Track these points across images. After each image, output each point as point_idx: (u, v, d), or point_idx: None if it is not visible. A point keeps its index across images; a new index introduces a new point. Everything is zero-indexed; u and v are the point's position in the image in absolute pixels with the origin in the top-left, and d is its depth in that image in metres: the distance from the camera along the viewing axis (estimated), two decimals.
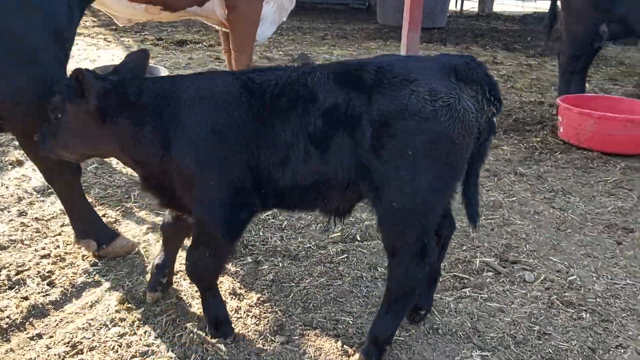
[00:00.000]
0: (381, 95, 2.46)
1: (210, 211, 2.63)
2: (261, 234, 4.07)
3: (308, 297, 3.37)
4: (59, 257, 3.61)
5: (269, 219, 4.26)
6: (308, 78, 2.57)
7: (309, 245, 3.94)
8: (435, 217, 2.62)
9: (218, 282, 2.95)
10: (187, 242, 3.09)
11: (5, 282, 3.33)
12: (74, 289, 3.33)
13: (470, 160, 2.54)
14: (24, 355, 2.79)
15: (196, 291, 3.20)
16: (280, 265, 3.69)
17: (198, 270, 2.77)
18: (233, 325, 2.97)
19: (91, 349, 2.83)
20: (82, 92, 2.50)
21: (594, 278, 3.68)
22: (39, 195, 4.44)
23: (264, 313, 3.19)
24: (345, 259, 3.80)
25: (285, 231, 4.11)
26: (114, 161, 4.96)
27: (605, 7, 5.98)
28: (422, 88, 2.40)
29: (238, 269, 3.61)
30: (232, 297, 3.31)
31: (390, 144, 2.42)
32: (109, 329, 2.99)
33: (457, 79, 2.45)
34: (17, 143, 4.63)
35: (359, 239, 4.07)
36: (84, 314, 3.12)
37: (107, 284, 3.38)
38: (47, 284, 3.33)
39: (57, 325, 3.03)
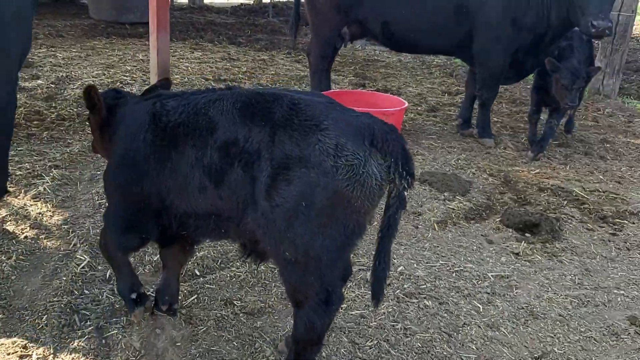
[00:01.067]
0: (287, 137, 2.35)
1: (108, 219, 2.97)
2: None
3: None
4: None
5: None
6: (211, 107, 2.55)
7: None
8: (336, 271, 2.56)
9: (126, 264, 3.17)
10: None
11: None
12: None
13: (379, 234, 2.47)
14: None
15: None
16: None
17: (102, 247, 3.14)
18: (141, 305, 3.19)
19: None
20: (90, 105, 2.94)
21: (414, 265, 4.15)
22: None
23: None
24: (196, 300, 3.48)
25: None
26: None
27: (346, 10, 6.62)
28: (330, 140, 2.29)
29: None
30: None
31: (286, 191, 2.33)
32: None
33: (371, 144, 2.34)
34: None
35: (197, 273, 3.77)
36: None
37: None
38: None
39: None
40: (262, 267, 3.80)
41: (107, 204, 3.03)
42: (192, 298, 3.50)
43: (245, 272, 3.82)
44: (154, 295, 3.33)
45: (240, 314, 3.42)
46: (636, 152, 7.09)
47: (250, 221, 2.49)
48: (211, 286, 3.65)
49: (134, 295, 3.16)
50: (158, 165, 2.64)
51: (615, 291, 4.00)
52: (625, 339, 3.48)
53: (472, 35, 6.36)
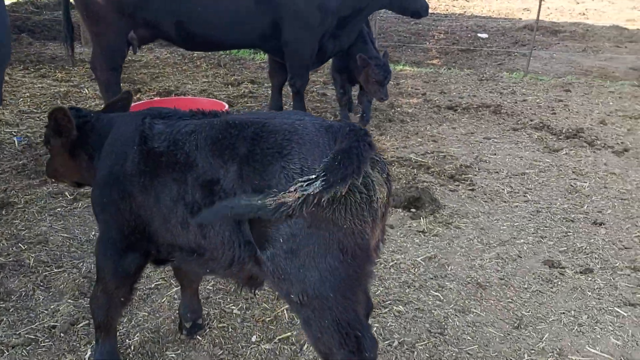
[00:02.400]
0: (251, 170, 2.17)
1: (101, 249, 2.68)
2: None
3: None
4: None
5: None
6: (187, 140, 2.40)
7: None
8: (353, 308, 2.24)
9: (114, 327, 2.91)
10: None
11: None
12: None
13: None
14: None
15: None
16: None
17: (92, 304, 2.81)
18: None
19: None
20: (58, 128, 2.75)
21: None
22: None
23: None
24: None
25: None
26: None
27: (130, 12, 5.84)
28: (294, 165, 2.11)
29: None
30: None
31: (264, 228, 2.16)
32: None
33: (335, 153, 2.07)
34: None
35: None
36: None
37: None
38: None
39: None
40: None
41: (99, 235, 2.74)
42: None
43: None
44: None
45: None
46: (424, 109, 8.05)
47: (247, 262, 2.34)
48: None
49: None
50: (142, 190, 2.49)
51: (517, 242, 4.54)
52: (558, 282, 4.00)
53: (279, 25, 6.26)
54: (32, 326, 3.37)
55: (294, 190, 2.00)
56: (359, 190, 2.10)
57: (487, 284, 3.91)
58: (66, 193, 5.06)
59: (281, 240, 2.14)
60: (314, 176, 2.00)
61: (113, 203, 2.57)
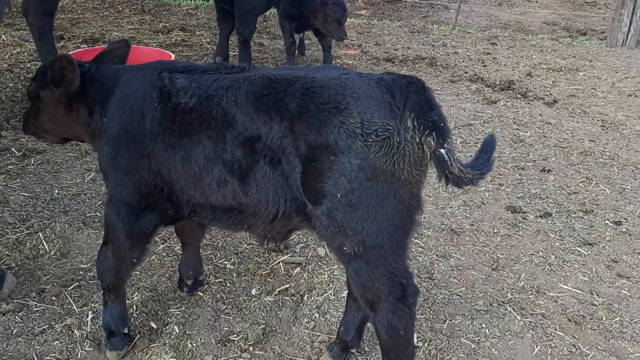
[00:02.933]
0: (306, 126, 2.16)
1: (113, 209, 2.58)
2: None
3: None
4: None
5: None
6: (224, 96, 2.32)
7: None
8: (403, 256, 2.35)
9: (124, 289, 2.84)
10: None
11: None
12: None
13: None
14: None
15: None
16: None
17: (100, 266, 2.72)
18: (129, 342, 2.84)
19: None
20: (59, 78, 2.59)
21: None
22: None
23: None
24: None
25: None
26: None
27: None
28: (353, 120, 2.12)
29: None
30: None
31: (320, 183, 2.18)
32: None
33: (397, 107, 2.16)
34: None
35: None
36: None
37: None
38: None
39: None
40: None
41: (109, 190, 2.62)
42: None
43: None
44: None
45: None
46: (363, 61, 8.16)
47: (293, 217, 2.36)
48: None
49: (126, 330, 2.83)
50: (167, 148, 2.40)
51: (479, 190, 4.82)
52: (522, 226, 4.34)
53: None
54: (20, 292, 3.20)
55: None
56: (413, 141, 2.15)
57: (460, 230, 4.17)
58: (13, 149, 4.71)
59: (339, 195, 2.18)
60: (443, 150, 2.09)
61: (129, 162, 2.48)
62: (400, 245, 2.30)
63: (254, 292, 3.40)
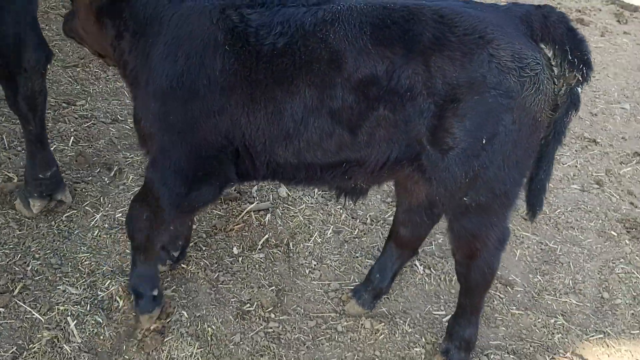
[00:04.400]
0: (446, 60, 1.92)
1: (158, 175, 2.19)
2: None
3: None
4: None
5: None
6: (329, 31, 1.94)
7: None
8: (514, 206, 2.27)
9: (156, 251, 2.48)
10: None
11: None
12: None
13: (543, 140, 2.11)
14: None
15: None
16: None
17: (131, 225, 2.38)
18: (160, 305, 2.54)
19: None
20: None
21: None
22: None
23: None
24: None
25: None
26: None
27: None
28: (504, 52, 1.91)
29: None
30: None
31: (459, 129, 1.98)
32: None
33: (538, 37, 2.02)
34: None
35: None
36: None
37: None
38: None
39: None
40: None
41: (152, 152, 2.20)
42: None
43: None
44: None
45: None
46: None
47: (403, 166, 2.14)
48: None
49: (155, 292, 2.49)
50: (247, 104, 2.01)
51: None
52: None
53: None
54: None
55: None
56: (554, 79, 2.00)
57: None
58: None
59: (480, 140, 1.97)
60: (579, 90, 1.96)
61: (186, 121, 2.06)
62: (519, 192, 2.19)
63: (235, 250, 3.05)
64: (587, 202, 3.81)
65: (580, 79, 1.97)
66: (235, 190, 3.38)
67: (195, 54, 2.00)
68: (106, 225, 3.03)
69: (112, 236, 2.96)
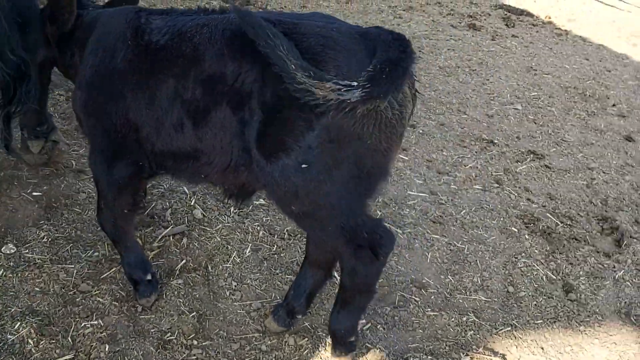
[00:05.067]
0: (278, 74, 2.01)
1: (92, 158, 2.61)
2: None
3: None
4: None
5: None
6: (198, 33, 2.24)
7: None
8: (360, 213, 2.28)
9: (131, 238, 2.81)
10: None
11: None
12: None
13: None
14: None
15: None
16: None
17: (99, 219, 2.77)
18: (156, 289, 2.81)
19: None
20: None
21: None
22: None
23: None
24: None
25: None
26: None
27: None
28: (331, 72, 1.99)
29: None
30: None
31: (281, 137, 2.08)
32: None
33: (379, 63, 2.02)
34: None
35: None
36: None
37: None
38: None
39: None
40: None
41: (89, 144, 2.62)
42: None
43: None
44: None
45: None
46: None
47: (242, 171, 2.31)
48: None
49: (149, 276, 2.78)
50: (135, 90, 2.34)
51: None
52: None
53: None
54: None
55: (329, 88, 1.90)
56: (391, 106, 2.06)
57: None
58: None
59: (297, 152, 2.07)
60: (355, 83, 1.91)
61: (100, 105, 2.42)
62: (353, 209, 2.24)
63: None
64: (488, 201, 4.05)
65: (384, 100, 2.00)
66: (148, 216, 3.32)
67: (109, 47, 2.37)
68: (11, 264, 2.88)
69: (19, 275, 2.82)
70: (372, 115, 2.03)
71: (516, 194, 4.16)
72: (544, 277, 3.39)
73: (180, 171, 2.49)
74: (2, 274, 2.81)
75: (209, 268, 3.10)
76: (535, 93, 5.89)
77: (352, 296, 2.51)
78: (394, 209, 3.84)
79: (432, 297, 3.16)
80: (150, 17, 2.38)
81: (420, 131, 4.90)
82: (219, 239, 3.29)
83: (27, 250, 2.95)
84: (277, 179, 2.15)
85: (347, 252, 2.32)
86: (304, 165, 2.10)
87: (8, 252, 2.94)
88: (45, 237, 3.08)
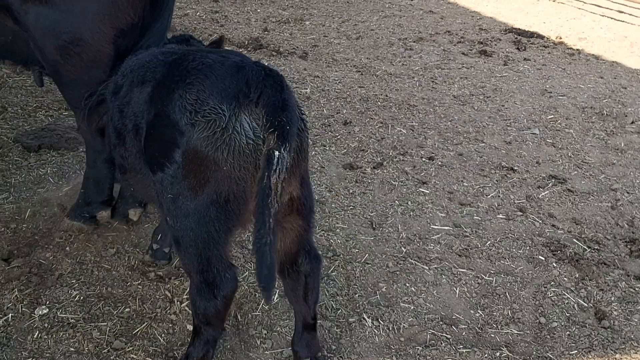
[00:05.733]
0: (159, 93, 2.33)
1: None
2: None
3: None
4: None
5: None
6: (128, 64, 2.68)
7: None
8: (216, 249, 2.34)
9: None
10: None
11: None
12: None
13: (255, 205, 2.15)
14: None
15: None
16: None
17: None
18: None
19: None
20: None
21: None
22: None
23: None
24: None
25: None
26: None
27: None
28: (190, 95, 2.19)
29: None
30: None
31: (153, 151, 2.37)
32: None
33: (243, 95, 2.15)
34: None
35: None
36: None
37: None
38: None
39: None
40: None
41: None
42: None
43: None
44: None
45: None
46: None
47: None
48: None
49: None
50: None
51: None
52: (367, 180, 4.74)
53: None
54: None
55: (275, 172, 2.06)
56: (246, 135, 2.14)
57: (323, 199, 4.33)
58: None
59: (160, 167, 2.32)
60: (277, 153, 2.06)
61: None
62: (212, 235, 2.30)
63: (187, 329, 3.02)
64: (513, 230, 4.04)
65: (279, 144, 2.05)
66: (175, 268, 3.37)
67: None
68: (46, 325, 2.94)
69: (54, 336, 2.89)
70: (226, 142, 2.14)
71: (540, 221, 4.14)
72: (575, 305, 3.35)
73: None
74: (38, 335, 2.87)
75: (239, 317, 3.13)
76: (552, 116, 5.89)
77: (196, 327, 2.61)
78: (418, 244, 3.85)
79: (464, 333, 3.15)
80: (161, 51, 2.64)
81: (439, 163, 4.91)
82: (246, 287, 3.33)
83: (60, 311, 3.01)
84: (156, 192, 2.40)
85: (195, 281, 2.44)
86: (167, 182, 2.31)
87: (42, 313, 3.00)
88: (77, 296, 3.14)
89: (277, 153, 2.04)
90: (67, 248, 3.48)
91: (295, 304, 2.69)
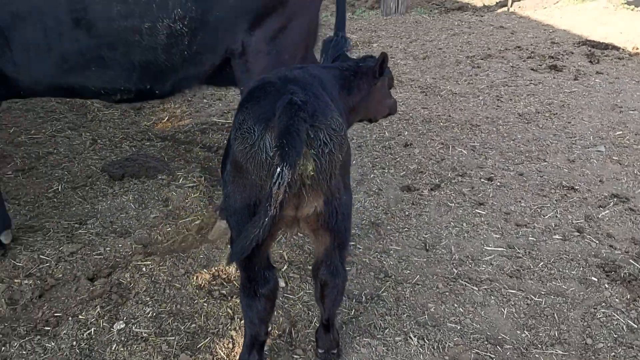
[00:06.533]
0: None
1: None
2: None
3: None
4: None
5: None
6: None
7: None
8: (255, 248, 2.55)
9: None
10: None
11: None
12: None
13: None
14: None
15: None
16: None
17: None
18: None
19: None
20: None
21: None
22: None
23: None
24: None
25: None
26: None
27: None
28: (240, 116, 2.66)
29: None
30: None
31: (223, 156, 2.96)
32: None
33: (270, 121, 2.52)
34: None
35: None
36: None
37: None
38: None
39: None
40: None
41: None
42: None
43: None
44: None
45: None
46: None
47: None
48: None
49: None
50: None
51: None
52: (425, 202, 4.89)
53: None
54: None
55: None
56: (266, 152, 2.48)
57: (380, 222, 4.53)
58: None
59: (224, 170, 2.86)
60: (279, 170, 2.35)
61: None
62: (237, 224, 2.71)
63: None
64: (568, 250, 4.07)
65: (279, 162, 2.35)
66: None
67: None
68: (122, 339, 3.34)
69: (128, 348, 3.27)
70: (252, 154, 2.50)
71: (597, 242, 4.14)
72: (624, 326, 3.37)
73: None
74: (115, 348, 3.26)
75: (292, 334, 3.39)
76: (620, 132, 5.79)
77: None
78: (470, 265, 3.97)
79: (508, 353, 3.25)
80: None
81: (498, 183, 4.99)
82: (300, 306, 3.59)
83: (135, 326, 3.40)
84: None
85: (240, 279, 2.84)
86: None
87: (119, 327, 3.40)
88: (150, 312, 3.52)
89: (278, 169, 2.38)
90: (144, 269, 3.88)
91: (317, 302, 3.09)
